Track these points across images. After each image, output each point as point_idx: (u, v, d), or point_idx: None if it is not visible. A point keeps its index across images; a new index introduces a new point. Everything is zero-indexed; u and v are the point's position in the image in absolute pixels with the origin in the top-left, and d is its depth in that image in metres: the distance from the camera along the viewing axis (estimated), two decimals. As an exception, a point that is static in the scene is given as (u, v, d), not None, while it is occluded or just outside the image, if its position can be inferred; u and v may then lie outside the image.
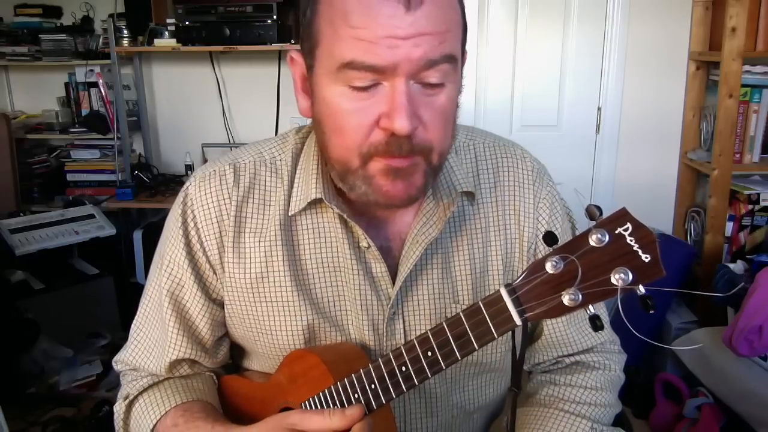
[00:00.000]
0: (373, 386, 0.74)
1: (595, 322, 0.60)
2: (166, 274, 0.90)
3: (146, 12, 3.01)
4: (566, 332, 0.95)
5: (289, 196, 0.87)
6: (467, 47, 0.80)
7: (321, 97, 0.76)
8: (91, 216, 2.81)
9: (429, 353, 0.69)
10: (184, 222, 0.89)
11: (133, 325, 0.97)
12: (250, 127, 3.23)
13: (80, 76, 3.16)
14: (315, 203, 0.86)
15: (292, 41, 2.83)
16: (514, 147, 0.97)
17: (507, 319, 0.64)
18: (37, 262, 2.65)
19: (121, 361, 0.98)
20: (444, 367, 0.69)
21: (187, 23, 2.84)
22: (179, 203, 0.90)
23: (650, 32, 2.82)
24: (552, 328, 0.95)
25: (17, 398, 2.39)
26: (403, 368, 0.71)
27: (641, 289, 0.57)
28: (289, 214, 0.87)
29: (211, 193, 0.88)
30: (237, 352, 0.99)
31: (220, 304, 0.92)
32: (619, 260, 0.57)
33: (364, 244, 0.85)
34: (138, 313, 0.97)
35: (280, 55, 3.03)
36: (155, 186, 3.07)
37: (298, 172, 0.88)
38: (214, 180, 0.89)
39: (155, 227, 2.98)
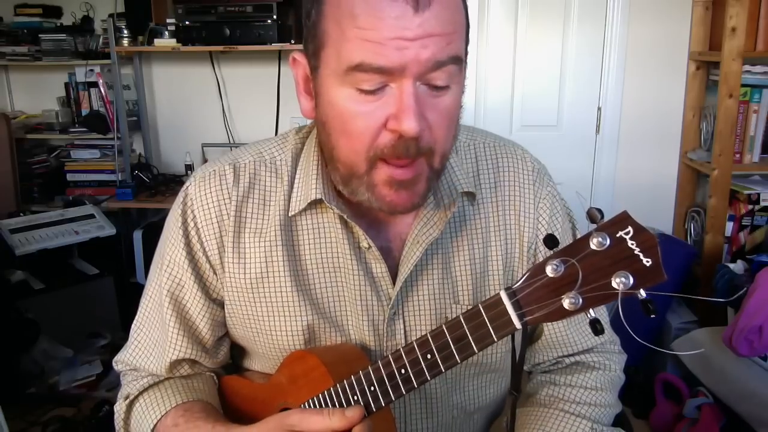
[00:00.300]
0: (372, 388, 0.73)
1: (596, 326, 0.60)
2: (166, 274, 0.90)
3: (146, 12, 3.00)
4: (566, 333, 0.95)
5: (289, 197, 0.87)
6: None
7: (327, 99, 0.75)
8: (91, 216, 2.81)
9: (428, 356, 0.69)
10: (184, 222, 0.89)
11: (133, 325, 0.97)
12: (250, 127, 3.23)
13: (80, 76, 3.16)
14: (315, 203, 0.86)
15: (292, 41, 2.83)
16: (515, 147, 0.97)
17: (507, 323, 0.64)
18: (37, 262, 2.64)
19: (121, 361, 0.98)
20: (443, 370, 0.69)
21: (187, 23, 2.84)
22: (179, 203, 0.90)
23: (650, 32, 2.82)
24: (552, 328, 0.95)
25: (17, 398, 2.39)
26: (403, 371, 0.71)
27: (642, 293, 0.57)
28: (290, 215, 0.87)
29: (211, 193, 0.88)
30: (237, 353, 0.99)
31: (221, 304, 0.92)
32: (620, 264, 0.57)
33: (364, 244, 0.85)
34: (138, 313, 0.97)
35: (280, 55, 3.03)
36: (155, 186, 3.07)
37: (298, 172, 0.88)
38: (214, 180, 0.88)
39: (155, 227, 2.98)
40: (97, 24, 3.25)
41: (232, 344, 0.98)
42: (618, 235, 0.58)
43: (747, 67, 2.45)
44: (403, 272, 0.86)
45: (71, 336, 2.67)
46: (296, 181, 0.88)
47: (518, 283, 0.63)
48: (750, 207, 2.51)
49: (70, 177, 3.23)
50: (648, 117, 2.91)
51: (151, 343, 0.94)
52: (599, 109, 2.94)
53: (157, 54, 3.19)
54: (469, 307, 0.67)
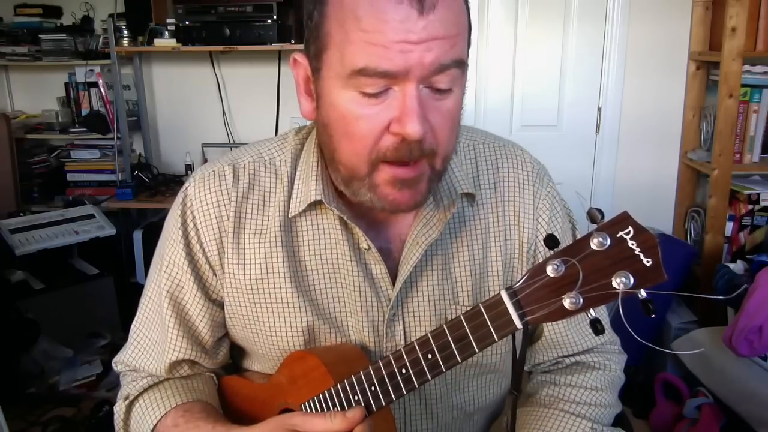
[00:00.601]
0: (373, 388, 0.74)
1: (596, 326, 0.60)
2: (166, 274, 0.90)
3: (146, 12, 3.00)
4: (566, 333, 0.95)
5: (289, 198, 0.87)
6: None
7: (329, 101, 0.75)
8: (91, 216, 2.81)
9: (429, 356, 0.69)
10: (184, 223, 0.89)
11: (132, 326, 0.97)
12: (250, 127, 3.23)
13: (80, 76, 3.16)
14: (315, 205, 0.86)
15: (292, 41, 2.83)
16: (514, 147, 0.97)
17: (507, 323, 0.64)
18: (37, 262, 2.64)
19: (120, 361, 0.98)
20: (444, 370, 0.69)
21: (187, 23, 2.84)
22: (179, 204, 0.90)
23: (650, 32, 2.82)
24: (552, 329, 0.95)
25: (17, 398, 2.39)
26: (403, 370, 0.71)
27: (642, 293, 0.57)
28: (289, 216, 0.87)
29: (210, 193, 0.88)
30: (237, 353, 0.99)
31: (220, 305, 0.92)
32: (621, 264, 0.57)
33: (364, 245, 0.85)
34: (138, 313, 0.97)
35: (280, 55, 3.03)
36: (155, 186, 3.07)
37: (297, 173, 0.88)
38: (213, 181, 0.88)
39: (155, 227, 2.98)
40: (97, 24, 3.25)
41: (232, 345, 0.98)
42: (618, 236, 0.58)
43: (747, 67, 2.45)
44: (403, 273, 0.86)
45: (71, 336, 2.67)
46: (296, 182, 0.88)
47: (519, 283, 0.63)
48: (750, 207, 2.51)
49: (70, 177, 3.22)
50: (648, 117, 2.91)
51: (151, 344, 0.94)
52: (599, 109, 2.94)
53: (157, 54, 3.19)
54: (469, 308, 0.67)
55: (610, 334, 1.00)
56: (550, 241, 0.61)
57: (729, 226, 2.55)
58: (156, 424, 0.89)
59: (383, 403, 0.73)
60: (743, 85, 2.44)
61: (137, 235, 2.98)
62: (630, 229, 0.58)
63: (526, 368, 1.01)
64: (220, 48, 2.86)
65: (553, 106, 2.97)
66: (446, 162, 0.79)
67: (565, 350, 0.97)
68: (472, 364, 0.92)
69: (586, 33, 2.88)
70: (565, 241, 0.90)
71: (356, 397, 0.75)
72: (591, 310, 0.60)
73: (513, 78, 2.97)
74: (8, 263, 2.59)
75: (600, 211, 0.59)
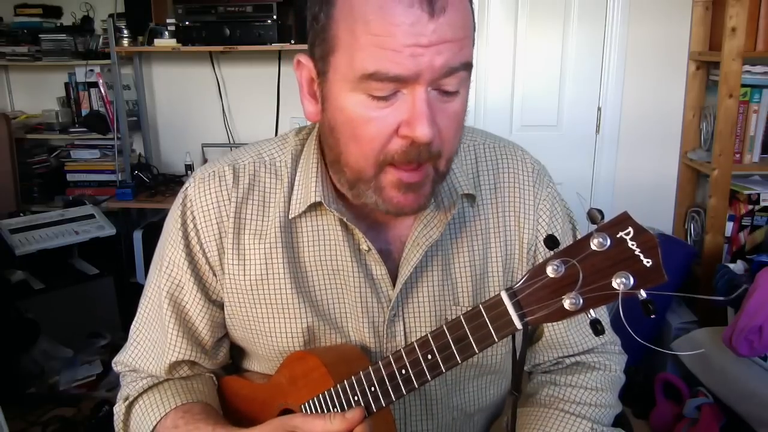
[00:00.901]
0: (373, 389, 0.73)
1: (596, 327, 0.60)
2: (166, 275, 0.90)
3: (146, 12, 3.00)
4: (567, 334, 0.95)
5: (289, 198, 0.87)
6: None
7: (336, 104, 0.75)
8: (91, 216, 2.81)
9: (429, 356, 0.69)
10: (184, 223, 0.89)
11: (132, 326, 0.97)
12: (250, 127, 3.23)
13: (80, 76, 3.15)
14: (315, 206, 0.86)
15: (292, 41, 2.82)
16: (515, 148, 0.96)
17: (507, 323, 0.64)
18: (37, 262, 2.64)
19: (120, 362, 0.98)
20: (444, 371, 0.69)
21: (187, 23, 2.84)
22: (179, 204, 0.90)
23: (650, 32, 2.82)
24: (552, 329, 0.95)
25: (17, 398, 2.39)
26: (403, 371, 0.71)
27: (642, 293, 0.57)
28: (290, 217, 0.87)
29: (210, 194, 0.88)
30: (237, 353, 0.99)
31: (220, 306, 0.92)
32: (621, 265, 0.57)
33: (364, 247, 0.85)
34: (137, 314, 0.97)
35: (280, 55, 3.03)
36: (155, 186, 3.07)
37: (298, 174, 0.88)
38: (213, 181, 0.88)
39: (155, 227, 2.98)
40: (97, 24, 3.25)
41: (232, 345, 0.98)
42: (618, 236, 0.58)
43: (747, 67, 2.45)
44: (403, 274, 0.86)
45: (71, 336, 2.66)
46: (296, 183, 0.87)
47: (519, 284, 0.63)
48: (750, 207, 2.51)
49: (70, 177, 3.22)
50: (648, 117, 2.91)
51: (151, 345, 0.94)
52: (599, 109, 2.94)
53: (157, 54, 3.19)
54: (469, 309, 0.67)
55: (610, 335, 1.00)
56: (550, 241, 0.61)
57: (729, 226, 2.55)
58: (156, 424, 0.89)
59: (383, 404, 0.73)
60: (743, 85, 2.44)
61: (137, 235, 2.98)
62: (630, 229, 0.58)
63: (526, 368, 1.01)
64: (220, 48, 2.85)
65: (553, 106, 2.97)
66: (450, 163, 0.79)
67: (566, 351, 0.97)
68: (472, 365, 0.92)
69: (586, 33, 2.88)
70: (566, 241, 0.90)
71: (356, 398, 0.75)
72: (591, 311, 0.60)
73: (513, 78, 2.97)
74: (8, 263, 2.59)
75: (600, 212, 0.59)
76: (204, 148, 3.23)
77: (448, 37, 0.69)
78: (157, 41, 2.92)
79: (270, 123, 3.11)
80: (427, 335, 0.69)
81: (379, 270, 0.86)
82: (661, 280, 0.57)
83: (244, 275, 0.88)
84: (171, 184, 3.11)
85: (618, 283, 0.57)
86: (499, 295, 0.64)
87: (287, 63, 3.03)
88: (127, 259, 3.05)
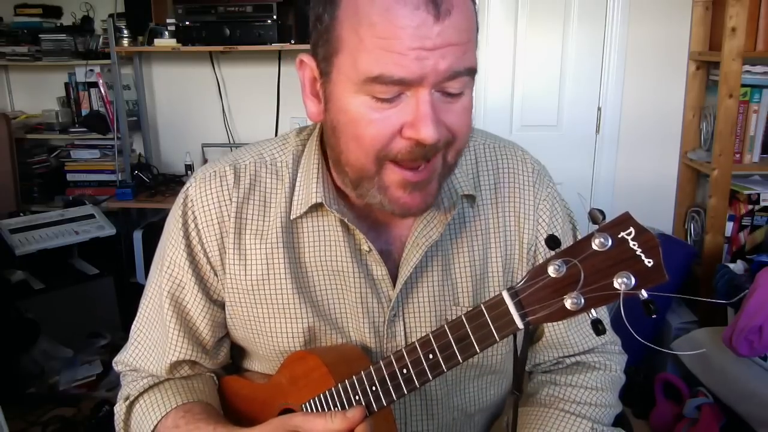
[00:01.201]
0: (374, 388, 0.74)
1: (597, 326, 0.60)
2: (167, 275, 0.90)
3: (146, 12, 3.00)
4: (567, 334, 0.95)
5: (291, 199, 0.87)
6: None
7: (338, 105, 0.75)
8: (91, 216, 2.81)
9: (430, 355, 0.69)
10: (185, 223, 0.89)
11: (133, 326, 0.97)
12: (250, 127, 3.23)
13: (80, 76, 3.16)
14: (316, 206, 0.86)
15: (292, 41, 2.82)
16: (515, 148, 0.97)
17: (509, 323, 0.64)
18: (37, 262, 2.64)
19: (121, 362, 0.98)
20: (445, 370, 0.69)
21: (187, 23, 2.84)
22: (179, 204, 0.90)
23: (650, 32, 2.82)
24: (553, 329, 0.95)
25: (17, 398, 2.39)
26: (404, 370, 0.71)
27: (644, 293, 0.57)
28: (291, 218, 0.87)
29: (211, 194, 0.88)
30: (237, 353, 0.99)
31: (221, 305, 0.92)
32: (622, 264, 0.57)
33: (365, 247, 0.85)
34: (138, 314, 0.97)
35: (280, 55, 3.02)
36: (155, 186, 3.07)
37: (299, 174, 0.88)
38: (214, 181, 0.88)
39: (155, 227, 2.98)
40: (97, 24, 3.25)
41: (232, 345, 0.98)
42: (620, 236, 0.58)
43: (747, 67, 2.45)
44: (403, 274, 0.86)
45: (71, 336, 2.66)
46: (297, 183, 0.88)
47: (520, 284, 0.63)
48: (750, 207, 2.51)
49: (70, 177, 3.23)
50: (648, 117, 2.91)
51: (152, 344, 0.94)
52: (599, 109, 2.94)
53: (157, 54, 3.19)
54: (469, 309, 0.67)
55: (610, 335, 1.01)
56: (552, 241, 0.61)
57: (729, 226, 2.55)
58: (156, 424, 0.89)
59: (384, 403, 0.73)
60: (743, 85, 2.44)
61: (137, 235, 2.98)
62: (631, 229, 0.58)
63: (526, 368, 1.01)
64: (220, 48, 2.85)
65: (553, 106, 2.97)
66: (459, 156, 0.79)
67: (566, 350, 0.97)
68: (472, 365, 0.92)
69: (586, 33, 2.88)
70: (566, 241, 0.90)
71: (357, 397, 0.75)
72: (592, 311, 0.60)
73: (513, 78, 2.97)
74: (8, 263, 2.59)
75: (601, 212, 0.59)
76: (204, 148, 3.23)
77: (453, 40, 0.69)
78: (157, 41, 2.92)
79: (270, 123, 3.10)
80: (428, 334, 0.69)
81: (379, 270, 0.86)
82: (662, 280, 0.57)
83: (245, 275, 0.88)
84: (171, 184, 3.11)
85: (619, 282, 0.57)
86: (500, 294, 0.64)
87: (287, 63, 3.03)
88: (127, 259, 3.05)
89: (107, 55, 3.01)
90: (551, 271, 0.60)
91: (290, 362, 0.87)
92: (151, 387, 0.94)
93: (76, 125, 3.22)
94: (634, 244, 0.57)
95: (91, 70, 3.10)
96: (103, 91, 3.09)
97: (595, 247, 0.58)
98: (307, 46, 0.79)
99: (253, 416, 0.91)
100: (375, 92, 0.71)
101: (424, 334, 0.70)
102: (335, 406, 0.78)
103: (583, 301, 0.59)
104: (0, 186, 2.92)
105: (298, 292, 0.87)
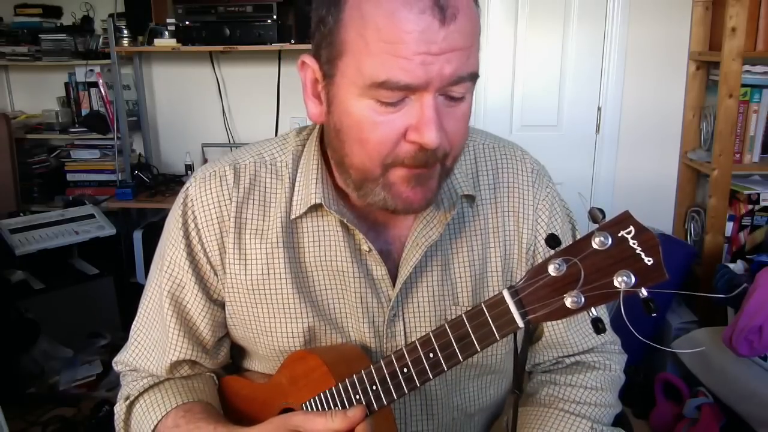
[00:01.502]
0: (374, 387, 0.74)
1: (597, 325, 0.60)
2: (167, 275, 0.90)
3: (146, 12, 3.00)
4: (567, 333, 0.95)
5: (290, 199, 0.87)
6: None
7: (342, 108, 0.75)
8: (91, 216, 2.81)
9: (431, 354, 0.69)
10: (185, 223, 0.89)
11: (133, 326, 0.97)
12: (250, 127, 3.23)
13: (80, 76, 3.16)
14: (316, 207, 0.86)
15: (292, 41, 2.83)
16: (514, 148, 0.97)
17: (509, 321, 0.64)
18: (37, 262, 2.64)
19: (121, 361, 0.98)
20: (446, 369, 0.69)
21: (187, 23, 2.84)
22: (179, 204, 0.90)
23: (650, 32, 2.82)
24: (552, 329, 0.95)
25: (17, 398, 2.38)
26: (405, 369, 0.71)
27: (644, 292, 0.57)
28: (291, 218, 0.87)
29: (211, 193, 0.88)
30: (237, 353, 0.99)
31: (221, 305, 0.92)
32: (622, 263, 0.58)
33: (365, 247, 0.85)
34: (138, 313, 0.97)
35: (280, 55, 3.03)
36: (155, 186, 3.07)
37: (298, 175, 0.88)
38: (214, 181, 0.88)
39: (155, 227, 2.98)
40: (97, 24, 3.25)
41: (233, 345, 0.98)
42: (620, 235, 0.58)
43: (747, 67, 2.45)
44: (403, 274, 0.86)
45: (71, 336, 2.66)
46: (297, 183, 0.88)
47: (520, 282, 0.63)
48: (750, 207, 2.51)
49: (70, 177, 3.23)
50: (648, 117, 2.91)
51: (152, 344, 0.94)
52: (599, 109, 2.94)
53: (157, 54, 3.19)
54: (469, 308, 0.67)
55: (610, 334, 1.01)
56: (552, 240, 0.61)
57: (729, 226, 2.55)
58: (157, 424, 0.89)
59: (384, 403, 0.73)
60: (743, 85, 2.44)
61: (137, 235, 2.98)
62: (631, 228, 0.58)
63: (526, 368, 1.01)
64: (220, 48, 2.86)
65: (553, 106, 2.97)
66: (455, 161, 0.80)
67: (566, 350, 0.97)
68: (472, 365, 0.92)
69: (586, 33, 2.88)
70: (565, 241, 0.90)
71: (357, 397, 0.75)
72: (592, 309, 0.60)
73: (513, 78, 2.97)
74: (8, 263, 2.59)
75: (601, 211, 0.59)
76: (204, 148, 3.23)
77: (458, 45, 0.69)
78: (157, 41, 2.93)
79: (270, 123, 3.11)
80: (428, 334, 0.69)
81: (379, 270, 0.86)
82: (662, 279, 0.57)
83: (245, 275, 0.88)
84: (171, 184, 3.11)
85: (619, 281, 0.57)
86: (500, 293, 0.64)
87: (287, 63, 3.03)
88: (127, 259, 3.05)
89: (107, 55, 3.01)
90: (551, 269, 0.60)
91: (290, 362, 0.87)
92: (151, 387, 0.94)
93: (76, 125, 3.22)
94: (634, 243, 0.57)
95: (91, 70, 3.10)
96: (103, 91, 3.10)
97: (595, 245, 0.58)
98: (308, 46, 0.78)
99: (253, 416, 0.91)
100: (380, 96, 0.71)
101: (424, 334, 0.70)
102: (335, 405, 0.78)
103: (583, 299, 0.59)
104: (0, 186, 2.92)
105: (298, 292, 0.87)
